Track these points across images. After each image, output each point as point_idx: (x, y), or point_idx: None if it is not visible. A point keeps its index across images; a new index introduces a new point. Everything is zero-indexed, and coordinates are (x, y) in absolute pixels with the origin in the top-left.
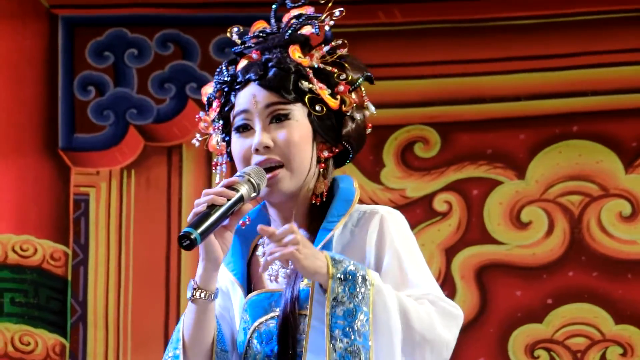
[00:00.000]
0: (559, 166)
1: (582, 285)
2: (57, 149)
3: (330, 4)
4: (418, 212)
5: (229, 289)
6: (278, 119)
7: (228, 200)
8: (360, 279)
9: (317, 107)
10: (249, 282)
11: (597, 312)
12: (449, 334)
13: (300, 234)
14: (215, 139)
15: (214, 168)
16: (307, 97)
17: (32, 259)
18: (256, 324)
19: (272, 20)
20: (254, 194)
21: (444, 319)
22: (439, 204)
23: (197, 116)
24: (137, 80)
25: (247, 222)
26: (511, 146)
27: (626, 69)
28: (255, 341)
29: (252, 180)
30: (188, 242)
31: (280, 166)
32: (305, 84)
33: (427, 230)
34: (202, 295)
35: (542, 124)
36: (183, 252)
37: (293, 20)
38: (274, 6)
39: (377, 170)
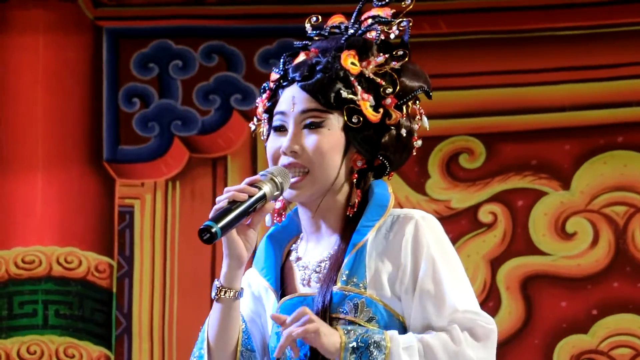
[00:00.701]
0: (604, 177)
1: (627, 295)
2: (102, 160)
3: (402, 13)
4: (463, 223)
5: (261, 294)
6: (311, 125)
7: (250, 197)
8: (372, 345)
9: (354, 119)
10: (282, 288)
11: None
12: (484, 353)
13: (313, 314)
14: (262, 129)
15: None
16: (345, 107)
17: (76, 271)
18: None
19: (354, 16)
20: (276, 193)
21: (476, 340)
22: (484, 215)
23: (257, 101)
24: (181, 92)
25: (283, 218)
26: (556, 157)
27: None
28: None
29: (275, 179)
30: (208, 235)
31: (305, 172)
32: (346, 94)
33: (472, 242)
34: (227, 294)
35: (587, 135)
36: None
37: (369, 20)
38: (360, 3)
39: (422, 182)
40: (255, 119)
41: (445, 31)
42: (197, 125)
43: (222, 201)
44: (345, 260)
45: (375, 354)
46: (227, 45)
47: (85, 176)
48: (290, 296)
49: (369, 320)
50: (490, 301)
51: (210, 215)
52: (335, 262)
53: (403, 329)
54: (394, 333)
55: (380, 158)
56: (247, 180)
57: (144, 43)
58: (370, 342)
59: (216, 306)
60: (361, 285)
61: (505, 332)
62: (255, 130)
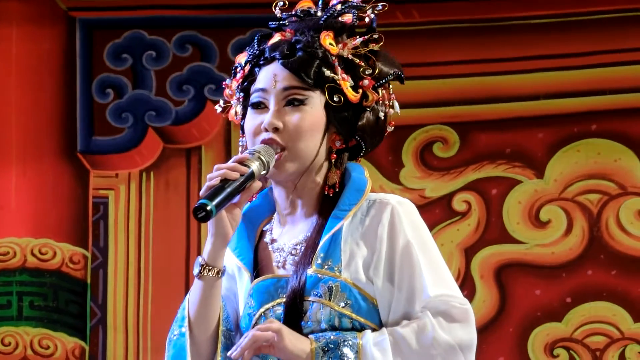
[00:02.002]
0: (578, 165)
1: (601, 283)
2: (76, 152)
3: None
4: (437, 212)
5: (234, 273)
6: (293, 103)
7: (241, 175)
8: (343, 345)
9: (335, 98)
10: (256, 268)
11: (616, 311)
12: (463, 333)
13: (281, 324)
14: (234, 109)
15: (240, 141)
16: (326, 85)
17: (51, 262)
18: (262, 310)
19: (320, 2)
20: (264, 172)
21: (452, 322)
22: (458, 204)
23: (223, 83)
24: (155, 82)
25: (254, 197)
26: (530, 145)
27: None
28: None
29: (262, 158)
30: (204, 213)
31: (283, 149)
32: (327, 72)
33: (447, 230)
34: (210, 272)
35: (560, 123)
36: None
37: (338, 6)
38: None
39: (396, 171)
40: (221, 102)
41: (418, 20)
42: (171, 115)
43: (214, 179)
44: (321, 244)
45: (346, 353)
46: (200, 36)
47: (59, 167)
48: (264, 277)
49: (345, 305)
50: (464, 290)
51: (202, 193)
52: (311, 245)
53: (377, 313)
54: (366, 331)
55: (357, 138)
56: (236, 158)
57: (118, 34)
58: (340, 342)
59: (198, 283)
60: (336, 268)
61: (480, 321)
62: (222, 112)
